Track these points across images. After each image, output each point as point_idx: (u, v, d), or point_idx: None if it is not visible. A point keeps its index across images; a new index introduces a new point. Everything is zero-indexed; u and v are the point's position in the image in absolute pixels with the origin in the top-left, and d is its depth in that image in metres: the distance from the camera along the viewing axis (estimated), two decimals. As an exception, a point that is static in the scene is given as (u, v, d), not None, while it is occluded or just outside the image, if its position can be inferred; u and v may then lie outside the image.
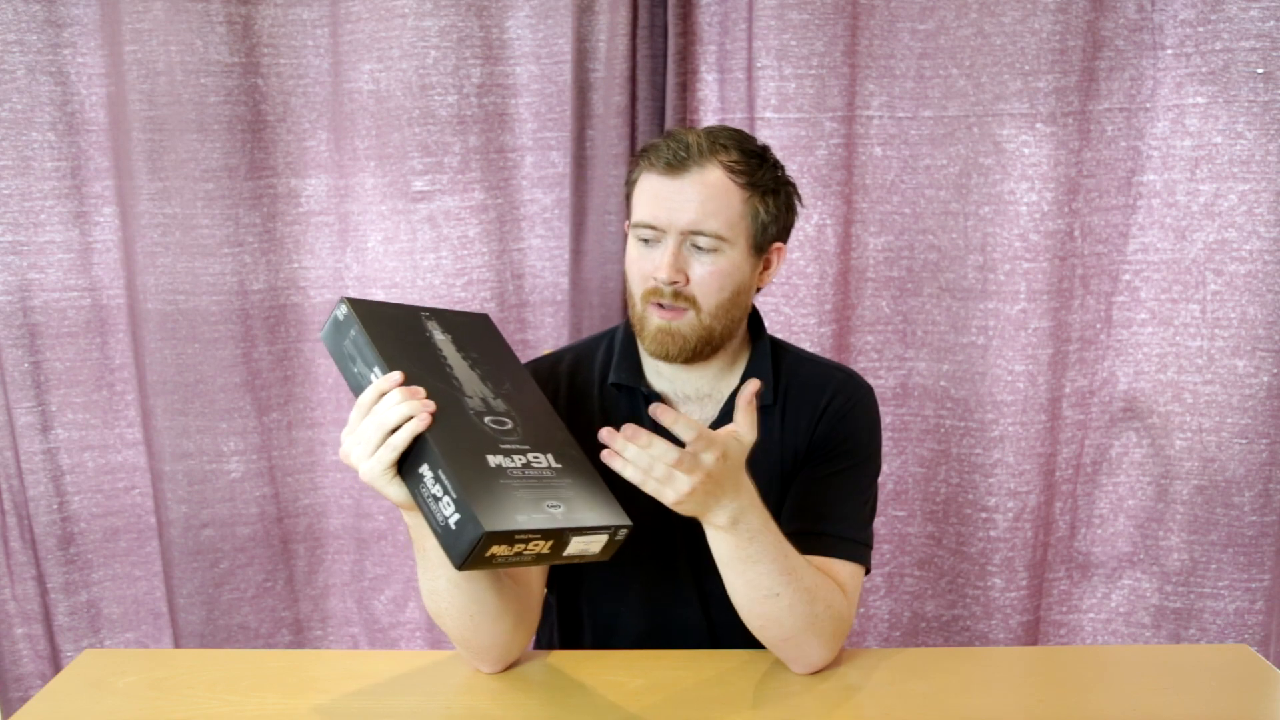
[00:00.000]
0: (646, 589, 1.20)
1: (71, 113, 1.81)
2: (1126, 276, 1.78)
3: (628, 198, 1.17)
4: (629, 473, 0.94)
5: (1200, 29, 1.66)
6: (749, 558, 1.02)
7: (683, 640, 1.19)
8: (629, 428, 0.94)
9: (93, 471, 1.92)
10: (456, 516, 0.87)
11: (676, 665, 1.13)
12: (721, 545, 1.02)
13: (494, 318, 1.84)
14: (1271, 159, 1.66)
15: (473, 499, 0.87)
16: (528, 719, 1.04)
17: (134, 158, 1.77)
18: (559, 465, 0.97)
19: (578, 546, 0.93)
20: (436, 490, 0.89)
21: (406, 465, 0.92)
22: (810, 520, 1.14)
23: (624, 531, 0.96)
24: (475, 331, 1.09)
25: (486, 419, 0.97)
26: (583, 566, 1.22)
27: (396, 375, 0.92)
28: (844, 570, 1.12)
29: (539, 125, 1.82)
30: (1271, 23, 1.63)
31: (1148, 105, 1.71)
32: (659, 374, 1.20)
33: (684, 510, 0.98)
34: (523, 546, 0.88)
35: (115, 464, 1.93)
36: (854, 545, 1.13)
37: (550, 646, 1.30)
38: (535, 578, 1.17)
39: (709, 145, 1.09)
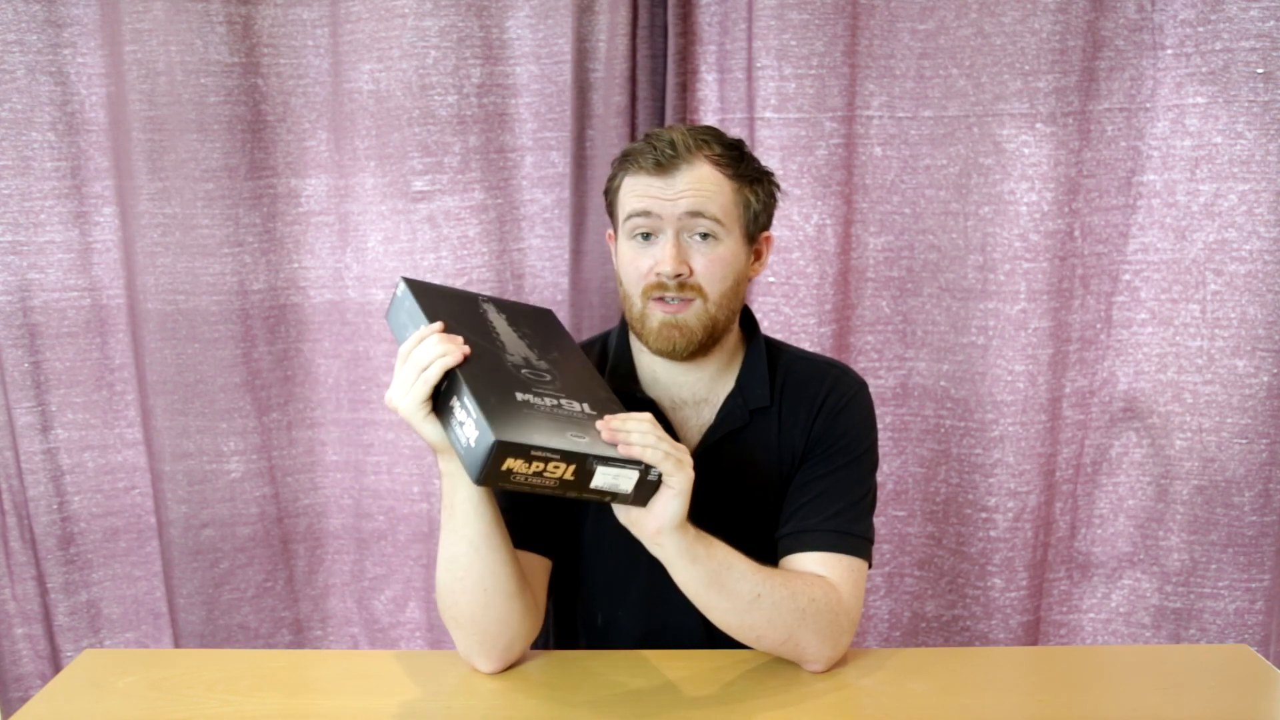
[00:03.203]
0: (643, 593, 1.20)
1: (71, 113, 1.82)
2: (1126, 276, 1.78)
3: (610, 204, 1.17)
4: (636, 443, 0.96)
5: (1200, 29, 1.66)
6: (722, 565, 1.02)
7: (678, 645, 1.19)
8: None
9: (93, 471, 1.92)
10: (476, 434, 0.90)
11: (676, 665, 1.13)
12: (694, 563, 1.01)
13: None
14: (1271, 159, 1.66)
15: (489, 415, 0.90)
16: (527, 719, 1.04)
17: (134, 158, 1.77)
18: (593, 412, 1.00)
19: (605, 479, 0.94)
20: (461, 416, 0.93)
21: (441, 404, 0.96)
22: (806, 517, 1.14)
23: (657, 473, 0.96)
24: (532, 317, 1.13)
25: (524, 371, 1.01)
26: (581, 571, 1.22)
27: (437, 324, 0.98)
28: (840, 564, 1.12)
29: (539, 125, 1.82)
30: (1271, 23, 1.63)
31: (1148, 105, 1.71)
32: (655, 379, 1.19)
33: (677, 509, 0.98)
34: (542, 466, 0.91)
35: (115, 464, 1.93)
36: (851, 539, 1.13)
37: (546, 649, 1.30)
38: (539, 576, 1.17)
39: (694, 141, 1.11)
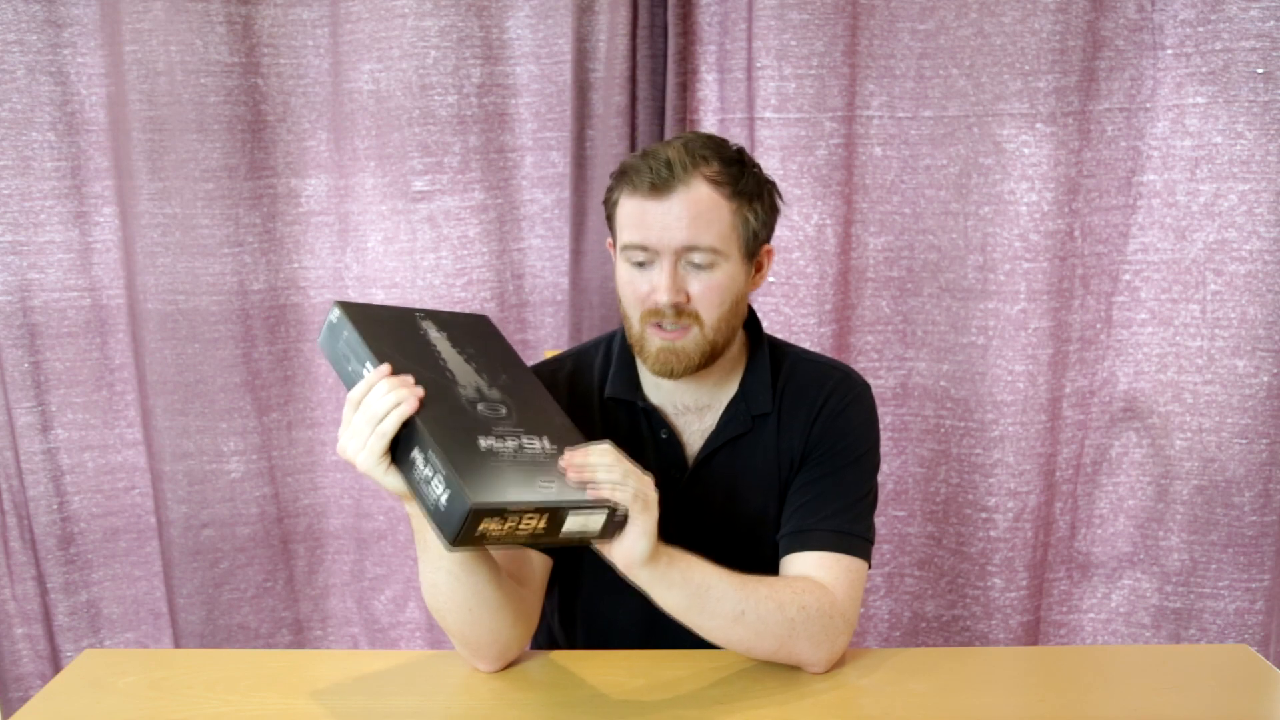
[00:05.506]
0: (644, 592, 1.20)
1: (71, 113, 1.82)
2: (1126, 276, 1.78)
3: (609, 217, 1.16)
4: (604, 482, 0.94)
5: (1200, 29, 1.66)
6: (701, 587, 1.02)
7: (679, 643, 1.19)
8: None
9: (93, 471, 1.92)
10: (446, 494, 0.87)
11: (676, 665, 1.13)
12: (670, 589, 1.01)
13: (494, 318, 1.84)
14: (1271, 159, 1.66)
15: (461, 475, 0.87)
16: (528, 719, 1.04)
17: (134, 158, 1.77)
18: (554, 448, 0.97)
19: (575, 524, 0.93)
20: (427, 472, 0.89)
21: (400, 453, 0.92)
22: (805, 517, 1.14)
23: (624, 510, 0.95)
24: (472, 330, 1.09)
25: (479, 406, 0.98)
26: (581, 568, 1.22)
27: (385, 367, 0.94)
28: (838, 564, 1.11)
29: (539, 125, 1.82)
30: (1271, 23, 1.63)
31: (1148, 105, 1.71)
32: (657, 387, 1.19)
33: (644, 548, 0.97)
34: (515, 523, 0.88)
35: (115, 464, 1.93)
36: (850, 539, 1.13)
37: (546, 648, 1.30)
38: (538, 576, 1.17)
39: (690, 160, 1.07)
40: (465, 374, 1.01)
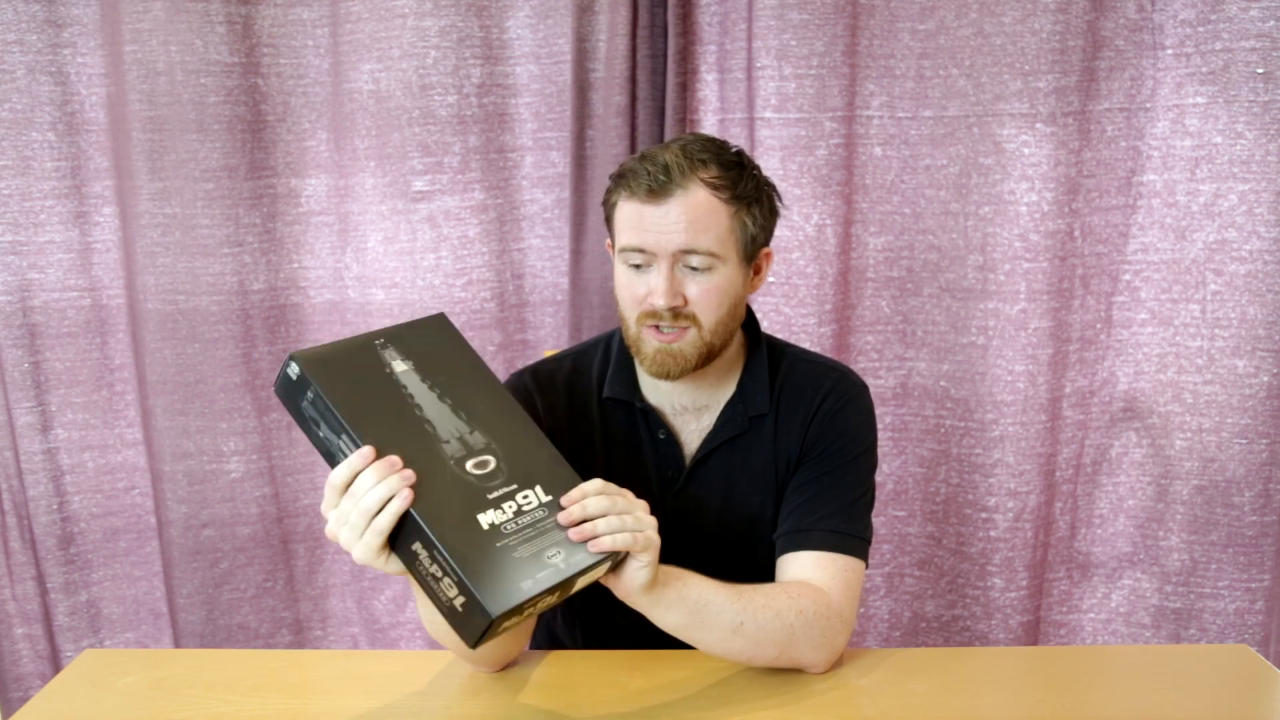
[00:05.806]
0: None
1: (71, 113, 1.82)
2: (1126, 276, 1.78)
3: (608, 219, 1.16)
4: (604, 533, 0.93)
5: (1200, 29, 1.66)
6: (698, 604, 1.01)
7: (678, 643, 1.19)
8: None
9: (93, 471, 1.92)
10: (462, 599, 0.85)
11: (676, 665, 1.13)
12: (669, 610, 1.00)
13: (494, 318, 1.85)
14: (1271, 159, 1.66)
15: (477, 583, 0.85)
16: (528, 719, 1.04)
17: (134, 158, 1.77)
18: (549, 498, 0.94)
19: (583, 581, 0.93)
20: (435, 570, 0.87)
21: (399, 540, 0.89)
22: (802, 517, 1.14)
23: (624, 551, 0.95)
24: (434, 344, 1.01)
25: (468, 464, 0.93)
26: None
27: (367, 451, 0.88)
28: (834, 564, 1.11)
29: (539, 125, 1.82)
30: (1271, 23, 1.63)
31: (1148, 105, 1.71)
32: (655, 387, 1.19)
33: (646, 578, 0.96)
34: (532, 608, 0.89)
35: (115, 464, 1.93)
36: (846, 539, 1.13)
37: (546, 648, 1.30)
38: None
39: (689, 164, 1.07)
40: (444, 420, 0.95)
